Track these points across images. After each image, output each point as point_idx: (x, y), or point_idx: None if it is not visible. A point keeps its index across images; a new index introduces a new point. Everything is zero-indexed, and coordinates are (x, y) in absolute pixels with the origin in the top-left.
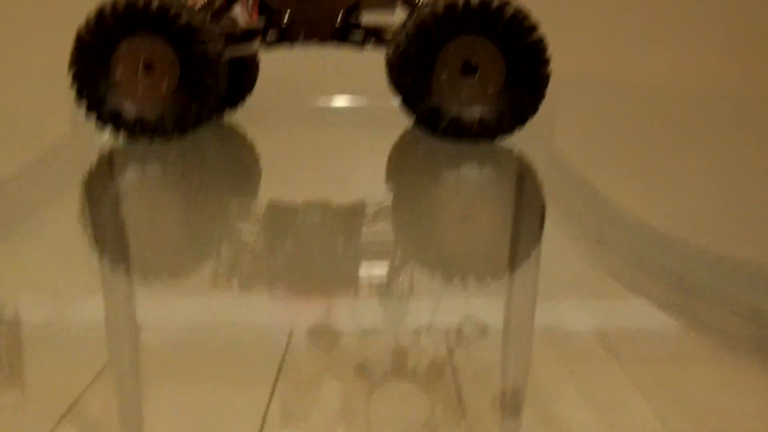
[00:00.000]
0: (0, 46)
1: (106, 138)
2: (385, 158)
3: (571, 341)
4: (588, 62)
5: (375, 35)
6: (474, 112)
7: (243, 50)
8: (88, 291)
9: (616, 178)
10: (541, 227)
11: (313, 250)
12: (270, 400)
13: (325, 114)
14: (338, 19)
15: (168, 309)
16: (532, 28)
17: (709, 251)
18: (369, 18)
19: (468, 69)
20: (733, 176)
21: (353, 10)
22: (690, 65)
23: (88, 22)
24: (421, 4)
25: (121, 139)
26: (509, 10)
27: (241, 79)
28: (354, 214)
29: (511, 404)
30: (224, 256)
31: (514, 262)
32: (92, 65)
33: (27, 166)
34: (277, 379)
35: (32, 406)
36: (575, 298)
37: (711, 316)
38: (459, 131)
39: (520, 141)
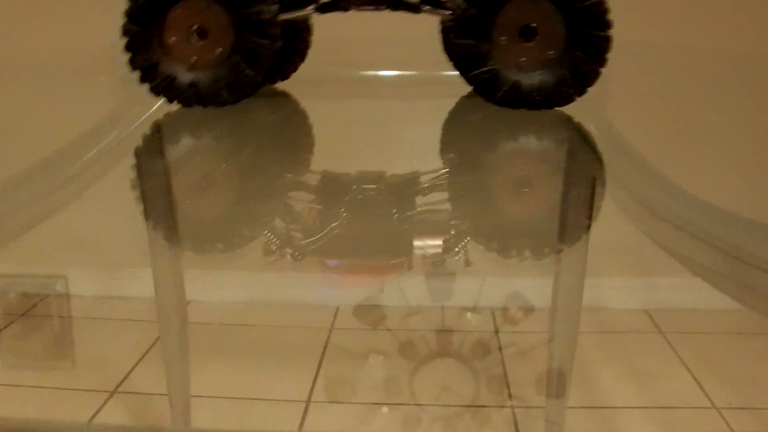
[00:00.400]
0: (53, 16)
1: (159, 106)
2: (440, 128)
3: (618, 317)
4: (640, 29)
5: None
6: (533, 78)
7: (297, 14)
8: (138, 265)
9: (670, 150)
10: (595, 199)
11: (365, 224)
12: (315, 377)
13: (379, 83)
14: None
15: (217, 284)
16: None
17: (765, 222)
18: None
19: (527, 33)
20: None
21: None
22: (750, 30)
23: None
24: None
25: (175, 107)
26: None
27: (294, 46)
28: (408, 185)
29: (556, 383)
30: (276, 229)
31: (564, 236)
32: (145, 32)
33: (80, 137)
34: (323, 356)
35: (81, 382)
36: (625, 273)
37: (764, 286)
38: (517, 99)
39: (575, 110)
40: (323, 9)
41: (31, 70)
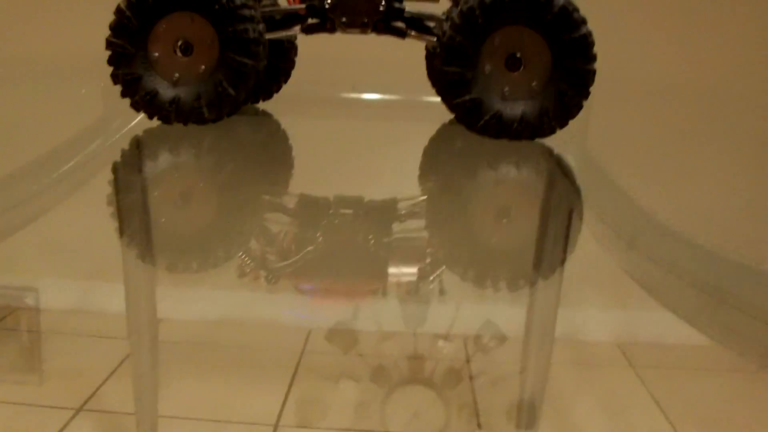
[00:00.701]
0: (35, 30)
1: (139, 121)
2: (420, 153)
3: (590, 349)
4: (619, 62)
5: (417, 24)
6: (516, 108)
7: (283, 35)
8: (110, 280)
9: (649, 183)
10: (572, 230)
11: (341, 247)
12: (285, 399)
13: (362, 105)
14: (381, 7)
15: (190, 302)
16: (581, 21)
17: (742, 260)
18: (412, 6)
19: (513, 62)
20: None
21: None
22: (730, 65)
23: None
24: None
25: (156, 122)
26: (559, 2)
27: (278, 65)
28: (386, 211)
29: (526, 413)
30: (251, 249)
31: (540, 266)
32: (130, 46)
33: (57, 149)
34: (293, 379)
35: (46, 398)
36: (599, 305)
37: (738, 325)
38: (499, 129)
39: (556, 140)
40: (309, 30)
41: (13, 74)
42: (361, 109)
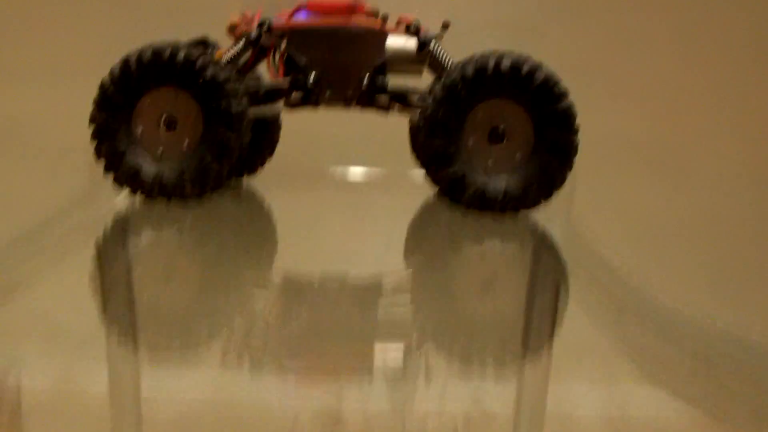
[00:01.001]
0: (19, 97)
1: (123, 198)
2: (405, 228)
3: (580, 426)
4: (605, 131)
5: (401, 99)
6: (499, 182)
7: (267, 110)
8: (92, 360)
9: (636, 254)
10: (560, 304)
11: (326, 327)
12: None
13: (346, 181)
14: (364, 82)
15: (173, 384)
16: (563, 94)
17: (732, 331)
18: (395, 81)
19: (495, 136)
20: (762, 254)
21: (380, 73)
22: (718, 135)
23: (112, 74)
24: (449, 67)
25: (139, 199)
26: (540, 75)
27: (262, 141)
28: (371, 288)
29: None
30: (235, 330)
31: (528, 342)
32: (113, 121)
33: (38, 225)
34: None
35: None
36: (589, 380)
37: (726, 399)
38: (483, 202)
39: (542, 212)
40: (293, 105)
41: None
42: (347, 181)
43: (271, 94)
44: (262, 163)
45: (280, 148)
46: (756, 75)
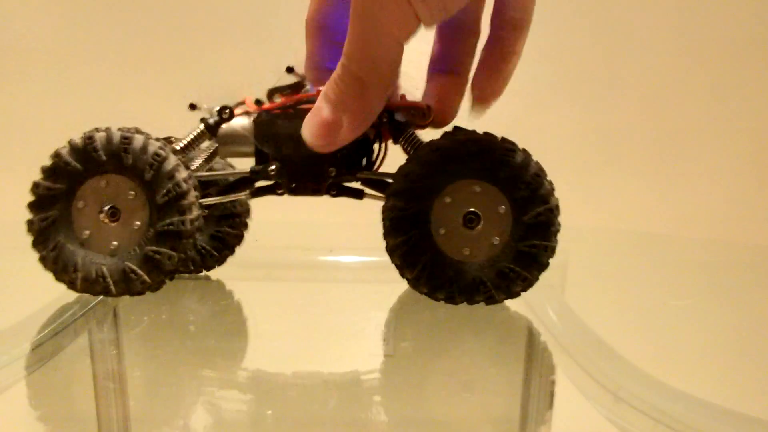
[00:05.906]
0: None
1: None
2: (383, 320)
3: None
4: (594, 214)
5: (376, 184)
6: (473, 270)
7: (221, 199)
8: None
9: (632, 333)
10: (558, 387)
11: (298, 426)
12: None
13: (321, 268)
14: (331, 172)
15: None
16: (549, 193)
17: (732, 410)
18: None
19: (470, 221)
20: (757, 329)
21: (350, 159)
22: (703, 213)
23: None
24: (419, 146)
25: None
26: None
27: (228, 230)
28: (347, 386)
29: None
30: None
31: (526, 428)
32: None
33: None
34: None
35: None
36: None
37: None
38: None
39: (532, 294)
40: (256, 194)
41: None
42: (322, 271)
43: (238, 183)
44: (231, 253)
45: (249, 237)
46: (756, 75)
